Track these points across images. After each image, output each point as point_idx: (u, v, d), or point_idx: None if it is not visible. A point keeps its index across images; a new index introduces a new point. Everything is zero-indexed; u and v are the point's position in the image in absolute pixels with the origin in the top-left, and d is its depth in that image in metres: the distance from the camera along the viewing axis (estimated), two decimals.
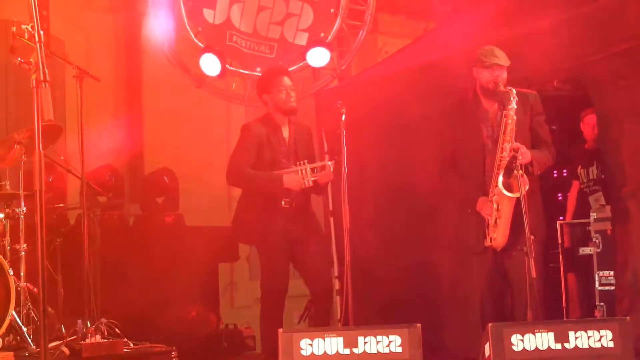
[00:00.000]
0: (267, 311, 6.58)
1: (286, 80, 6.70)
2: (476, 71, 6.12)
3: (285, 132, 6.68)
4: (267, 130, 6.64)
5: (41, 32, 3.98)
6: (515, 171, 5.73)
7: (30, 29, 4.09)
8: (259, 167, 6.59)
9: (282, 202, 6.50)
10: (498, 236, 5.90)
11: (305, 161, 6.46)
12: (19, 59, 4.14)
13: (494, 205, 5.90)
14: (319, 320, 6.63)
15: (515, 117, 5.87)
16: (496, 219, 5.90)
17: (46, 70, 3.97)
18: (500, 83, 5.95)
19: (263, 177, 6.56)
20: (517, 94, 5.91)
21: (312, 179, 6.44)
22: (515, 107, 5.87)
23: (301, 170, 6.45)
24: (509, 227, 5.89)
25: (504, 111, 5.92)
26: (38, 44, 4.00)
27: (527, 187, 5.70)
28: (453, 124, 6.24)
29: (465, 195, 6.13)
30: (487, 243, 5.95)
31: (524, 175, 5.71)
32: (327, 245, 6.07)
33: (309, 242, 6.58)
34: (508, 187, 5.83)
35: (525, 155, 5.83)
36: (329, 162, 6.43)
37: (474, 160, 6.09)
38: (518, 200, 5.71)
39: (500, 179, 5.85)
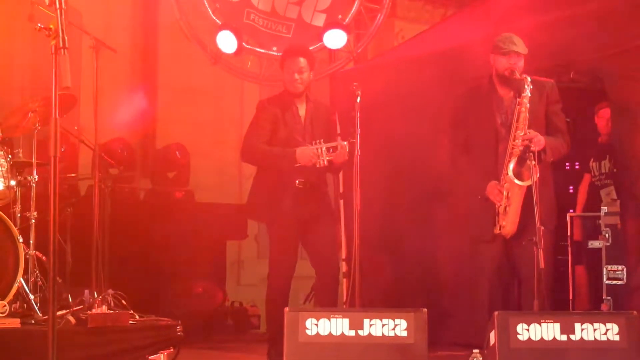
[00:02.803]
0: (273, 290, 6.58)
1: (298, 62, 6.57)
2: (493, 58, 6.09)
3: (302, 110, 6.61)
4: (283, 108, 6.58)
5: None
6: (527, 160, 5.71)
7: None
8: (273, 145, 6.54)
9: (297, 182, 6.47)
10: (507, 224, 5.90)
11: (322, 140, 6.42)
12: (39, 24, 4.12)
13: (504, 192, 5.89)
14: (324, 303, 6.63)
15: (528, 105, 5.86)
16: (506, 206, 5.89)
17: (65, 37, 3.96)
18: (516, 71, 5.92)
19: (276, 152, 6.49)
20: (534, 82, 5.90)
21: (327, 158, 6.39)
22: (530, 95, 5.86)
23: (317, 149, 6.40)
24: (518, 215, 5.88)
25: (518, 99, 5.91)
26: (58, 10, 3.99)
27: (538, 175, 5.69)
28: (467, 110, 6.22)
29: (476, 182, 6.11)
30: (497, 231, 5.94)
31: (536, 165, 5.69)
32: (337, 228, 6.02)
33: (319, 224, 6.54)
34: (519, 175, 5.82)
35: (539, 141, 5.81)
36: (345, 143, 6.38)
37: (487, 147, 6.07)
38: (529, 189, 5.70)
39: (511, 166, 5.84)
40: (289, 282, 6.62)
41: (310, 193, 6.50)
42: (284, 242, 6.52)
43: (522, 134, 5.83)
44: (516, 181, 5.81)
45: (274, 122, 6.55)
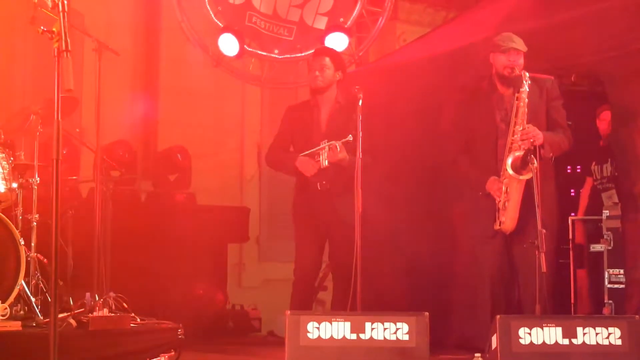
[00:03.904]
0: (296, 292, 6.62)
1: (321, 60, 6.69)
2: (493, 57, 6.13)
3: (325, 113, 6.69)
4: (305, 111, 6.73)
5: (65, 1, 3.98)
6: (527, 155, 5.71)
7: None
8: (296, 149, 6.70)
9: (318, 185, 6.53)
10: (507, 219, 5.91)
11: (325, 141, 6.45)
12: (42, 27, 4.12)
13: (504, 187, 5.90)
14: (339, 306, 6.63)
15: (527, 100, 5.88)
16: (505, 201, 5.90)
17: (68, 40, 3.96)
18: (516, 68, 5.95)
19: (284, 159, 6.72)
20: (534, 79, 5.93)
21: (327, 159, 6.43)
22: (528, 90, 5.88)
23: (322, 150, 6.44)
24: (517, 210, 5.89)
25: (517, 94, 5.93)
26: (61, 13, 3.99)
27: (536, 166, 5.66)
28: (468, 111, 6.26)
29: (477, 179, 6.12)
30: (497, 226, 5.95)
31: (537, 164, 5.68)
32: (354, 230, 6.02)
33: (340, 227, 6.57)
34: (517, 169, 5.83)
35: (537, 136, 5.82)
36: (337, 143, 6.38)
37: (487, 143, 6.11)
38: (528, 184, 5.70)
39: (509, 161, 5.85)
40: (310, 286, 6.72)
41: (332, 195, 6.53)
42: (304, 245, 6.62)
43: (521, 128, 5.84)
44: (514, 175, 5.81)
45: (294, 127, 6.71)
